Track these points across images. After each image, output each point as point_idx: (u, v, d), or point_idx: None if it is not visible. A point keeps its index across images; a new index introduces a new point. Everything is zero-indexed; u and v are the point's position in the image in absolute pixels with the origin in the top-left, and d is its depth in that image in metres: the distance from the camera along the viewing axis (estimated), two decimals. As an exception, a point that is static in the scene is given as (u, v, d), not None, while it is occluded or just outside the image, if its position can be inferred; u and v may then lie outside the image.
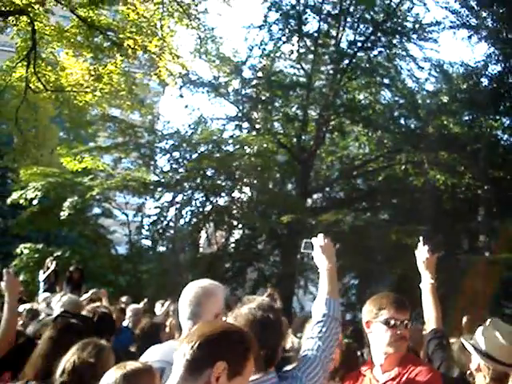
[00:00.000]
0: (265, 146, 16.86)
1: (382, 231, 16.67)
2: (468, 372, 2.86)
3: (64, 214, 13.54)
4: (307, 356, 2.51)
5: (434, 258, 3.43)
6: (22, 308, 6.24)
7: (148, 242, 17.69)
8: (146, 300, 9.45)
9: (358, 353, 7.43)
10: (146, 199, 17.06)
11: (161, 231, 17.17)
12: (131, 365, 2.55)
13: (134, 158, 16.77)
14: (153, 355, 2.97)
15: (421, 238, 3.51)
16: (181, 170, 16.82)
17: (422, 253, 3.45)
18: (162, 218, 17.05)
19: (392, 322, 2.89)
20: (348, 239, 17.43)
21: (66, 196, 14.02)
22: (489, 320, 2.88)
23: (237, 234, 18.57)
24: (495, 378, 2.72)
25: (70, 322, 3.75)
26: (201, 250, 19.41)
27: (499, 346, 2.64)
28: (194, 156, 16.89)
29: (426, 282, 3.39)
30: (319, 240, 2.96)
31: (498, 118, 18.36)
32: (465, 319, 8.12)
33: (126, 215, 16.98)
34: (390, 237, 16.22)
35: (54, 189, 14.37)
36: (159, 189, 15.95)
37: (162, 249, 17.70)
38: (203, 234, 18.71)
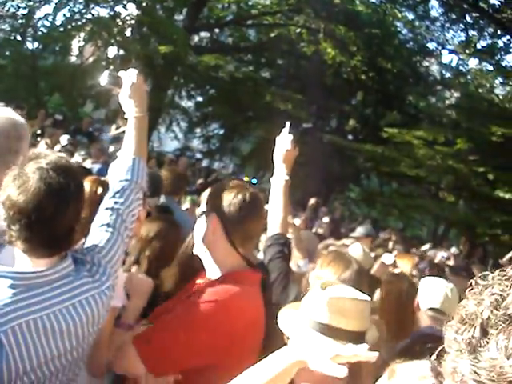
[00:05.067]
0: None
1: (258, 89, 16.31)
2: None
3: None
4: (107, 234, 1.93)
5: (295, 152, 2.82)
6: None
7: (10, 36, 15.78)
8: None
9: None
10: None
11: (29, 27, 15.40)
12: None
13: None
14: None
15: (287, 124, 2.84)
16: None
17: (284, 142, 2.80)
18: (34, 13, 15.21)
19: None
20: (224, 87, 16.97)
21: None
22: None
23: (111, 53, 17.20)
24: None
25: None
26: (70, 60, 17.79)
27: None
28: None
29: (280, 178, 2.76)
30: (130, 76, 2.20)
31: (403, 9, 18.06)
32: (312, 201, 8.15)
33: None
34: (265, 96, 15.96)
35: None
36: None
37: (25, 47, 15.91)
38: (75, 44, 17.12)
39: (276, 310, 1.90)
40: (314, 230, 7.17)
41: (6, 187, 1.66)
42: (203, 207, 2.25)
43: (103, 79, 2.22)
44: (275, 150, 2.84)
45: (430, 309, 3.02)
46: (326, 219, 8.85)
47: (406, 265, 4.78)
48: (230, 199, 2.05)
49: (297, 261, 4.10)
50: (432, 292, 3.08)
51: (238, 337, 1.96)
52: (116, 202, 1.99)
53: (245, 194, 2.07)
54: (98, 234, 1.93)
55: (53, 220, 1.64)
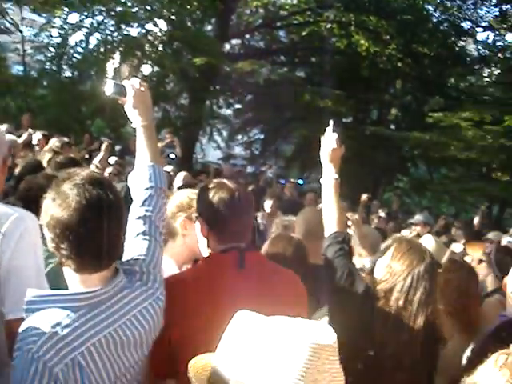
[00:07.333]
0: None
1: (295, 89, 16.22)
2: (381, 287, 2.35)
3: None
4: (145, 242, 1.99)
5: (341, 150, 2.78)
6: None
7: (47, 66, 16.10)
8: (30, 131, 8.31)
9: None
10: (50, 18, 15.26)
11: (64, 55, 15.70)
12: None
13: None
14: None
15: (331, 122, 2.80)
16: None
17: (328, 141, 2.76)
18: (67, 41, 15.50)
19: None
20: (260, 92, 16.97)
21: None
22: None
23: (146, 71, 17.39)
24: None
25: None
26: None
27: None
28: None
29: (329, 177, 2.72)
30: (133, 84, 2.19)
31: (434, -9, 17.71)
32: (364, 196, 8.02)
33: (21, 32, 15.18)
34: (303, 96, 15.86)
35: None
36: (65, 8, 14.27)
37: (63, 75, 16.20)
38: (110, 66, 17.36)
39: None
40: (373, 226, 7.04)
41: (46, 210, 1.69)
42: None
43: (108, 89, 2.20)
44: (321, 149, 2.80)
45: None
46: (382, 213, 8.68)
47: (476, 252, 4.58)
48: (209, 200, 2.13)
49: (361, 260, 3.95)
50: None
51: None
52: (147, 210, 2.05)
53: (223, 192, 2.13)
54: (136, 244, 1.98)
55: (99, 230, 1.67)
